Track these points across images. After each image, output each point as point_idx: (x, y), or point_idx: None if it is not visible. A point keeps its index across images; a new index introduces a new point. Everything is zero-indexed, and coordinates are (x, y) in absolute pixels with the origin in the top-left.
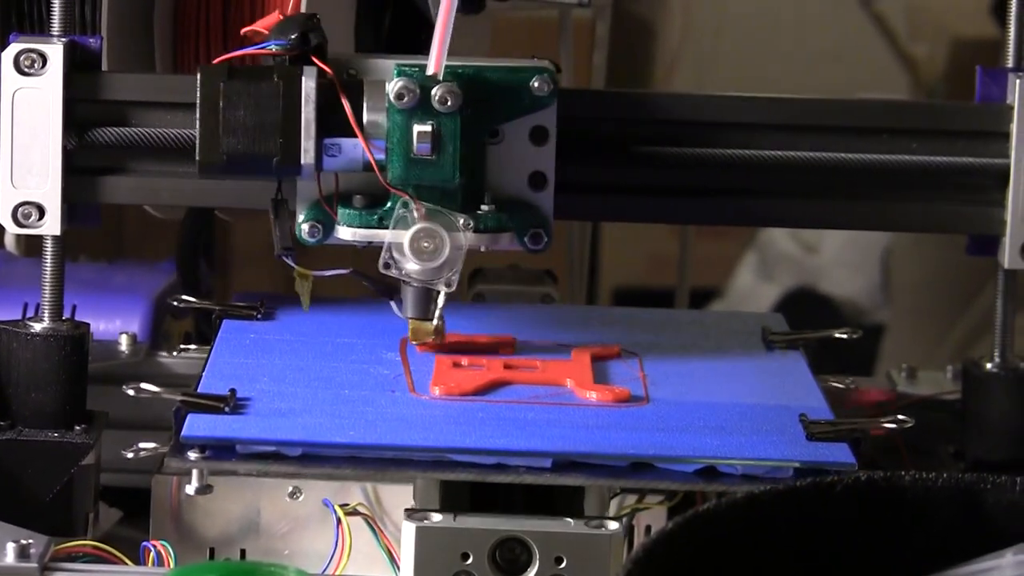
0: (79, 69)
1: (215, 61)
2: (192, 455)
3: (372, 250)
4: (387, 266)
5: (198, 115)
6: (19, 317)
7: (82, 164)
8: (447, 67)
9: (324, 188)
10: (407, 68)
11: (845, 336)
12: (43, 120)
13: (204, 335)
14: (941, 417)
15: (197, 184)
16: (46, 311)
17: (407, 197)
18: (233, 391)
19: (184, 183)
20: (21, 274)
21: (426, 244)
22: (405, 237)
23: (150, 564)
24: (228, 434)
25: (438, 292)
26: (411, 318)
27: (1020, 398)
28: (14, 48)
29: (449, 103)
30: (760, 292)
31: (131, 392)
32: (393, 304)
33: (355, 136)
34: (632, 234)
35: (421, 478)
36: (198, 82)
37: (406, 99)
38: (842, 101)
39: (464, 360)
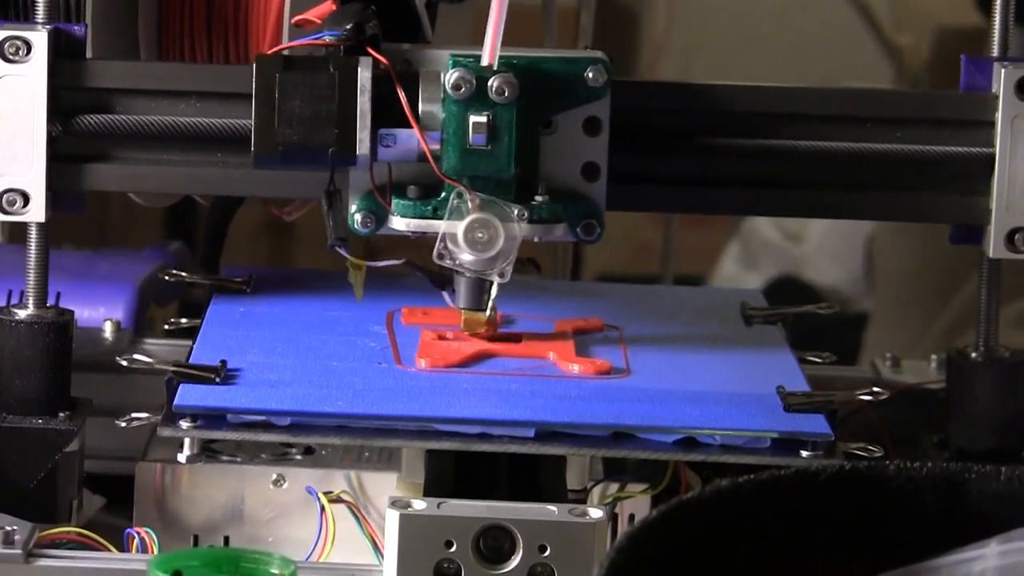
0: (64, 56)
1: (270, 51)
2: (184, 424)
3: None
4: (441, 256)
5: (253, 106)
6: (3, 304)
7: (67, 151)
8: (501, 58)
9: (377, 179)
10: (463, 58)
11: (823, 311)
12: (28, 107)
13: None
14: (925, 406)
15: (182, 172)
16: (30, 298)
17: (462, 187)
18: (224, 362)
19: (169, 171)
20: (5, 261)
21: (480, 235)
22: (460, 227)
23: (134, 551)
24: (219, 404)
25: (491, 283)
26: (464, 309)
27: (1004, 387)
28: None
29: (506, 94)
30: (744, 281)
31: (124, 363)
32: (446, 295)
33: (410, 127)
34: (616, 222)
35: (407, 447)
36: (254, 73)
37: (463, 90)
38: (826, 89)
39: (449, 333)
